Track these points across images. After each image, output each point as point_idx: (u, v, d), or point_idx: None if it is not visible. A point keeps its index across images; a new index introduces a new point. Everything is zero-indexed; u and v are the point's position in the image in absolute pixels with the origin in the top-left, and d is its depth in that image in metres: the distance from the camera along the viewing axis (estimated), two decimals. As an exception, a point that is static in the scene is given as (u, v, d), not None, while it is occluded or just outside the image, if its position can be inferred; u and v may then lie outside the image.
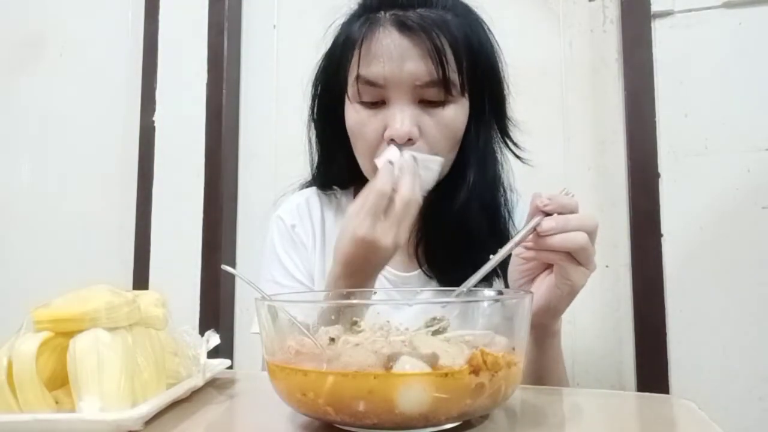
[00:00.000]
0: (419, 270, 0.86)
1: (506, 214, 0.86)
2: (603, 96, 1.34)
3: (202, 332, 0.59)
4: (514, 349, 0.44)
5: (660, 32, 1.29)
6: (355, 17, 0.82)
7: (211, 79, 1.57)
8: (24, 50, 1.80)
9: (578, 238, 0.60)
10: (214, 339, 0.58)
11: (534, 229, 0.60)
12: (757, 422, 1.20)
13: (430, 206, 0.81)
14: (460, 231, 0.80)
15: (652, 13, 1.29)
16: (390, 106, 0.77)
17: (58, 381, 0.45)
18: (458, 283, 0.58)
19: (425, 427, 0.41)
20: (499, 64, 0.84)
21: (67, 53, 1.77)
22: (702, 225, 1.26)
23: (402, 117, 0.75)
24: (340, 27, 0.84)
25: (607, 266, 1.29)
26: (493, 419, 0.46)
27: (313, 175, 0.94)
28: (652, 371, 1.24)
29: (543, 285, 0.65)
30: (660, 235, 1.25)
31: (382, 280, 0.84)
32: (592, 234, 0.61)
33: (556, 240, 0.60)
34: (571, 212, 0.61)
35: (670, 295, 1.25)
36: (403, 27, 0.75)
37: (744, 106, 1.24)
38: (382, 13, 0.78)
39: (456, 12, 0.79)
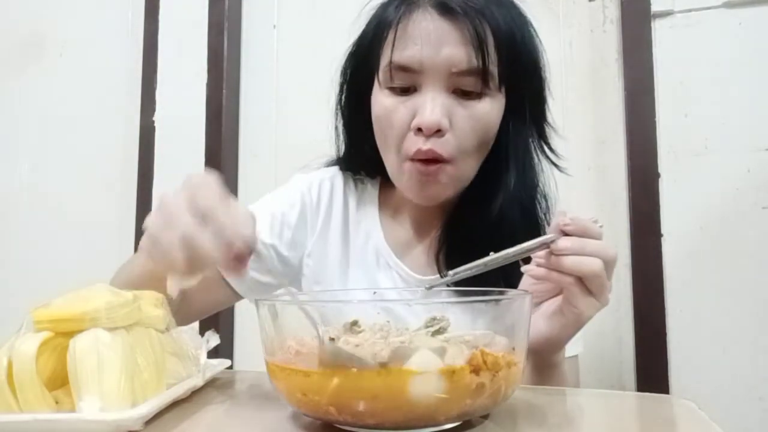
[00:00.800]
0: (438, 276, 0.77)
1: (544, 224, 0.78)
2: (603, 96, 1.34)
3: (202, 332, 0.59)
4: (514, 349, 0.44)
5: (660, 32, 1.29)
6: (390, 1, 0.76)
7: (211, 79, 1.57)
8: (24, 50, 1.80)
9: (593, 263, 0.57)
10: (214, 339, 0.58)
11: (547, 244, 0.58)
12: (757, 422, 1.20)
13: (456, 210, 0.78)
14: (489, 241, 0.65)
15: (652, 13, 1.29)
16: (422, 93, 0.71)
17: (58, 381, 0.45)
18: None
19: (425, 426, 0.41)
20: (542, 65, 0.77)
21: (67, 53, 1.77)
22: (702, 225, 1.26)
23: (433, 105, 0.70)
24: (373, 11, 0.78)
25: (607, 266, 1.29)
26: (493, 419, 0.46)
27: (338, 159, 0.88)
28: (652, 371, 1.24)
29: (549, 309, 0.61)
30: (660, 235, 1.26)
31: (395, 279, 0.81)
32: (608, 264, 0.58)
33: (569, 261, 0.57)
34: (592, 238, 0.58)
35: (670, 295, 1.25)
36: (444, 9, 0.70)
37: (744, 106, 1.24)
38: None
39: (501, 2, 0.73)
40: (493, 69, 0.70)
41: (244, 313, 1.51)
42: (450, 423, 0.42)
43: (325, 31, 1.49)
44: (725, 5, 1.26)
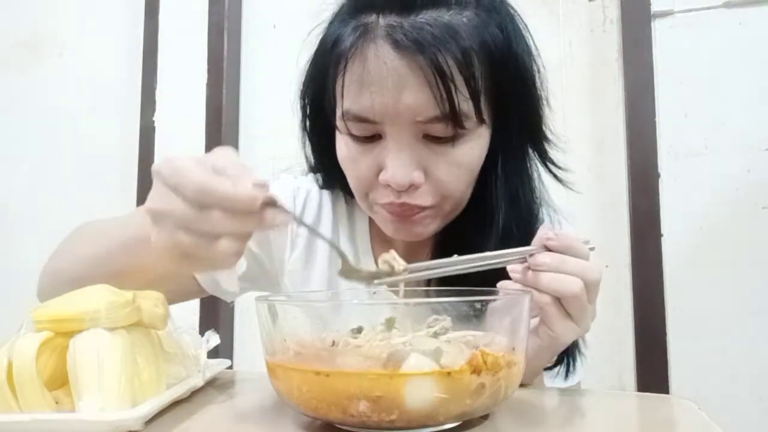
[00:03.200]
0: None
1: None
2: (603, 96, 1.34)
3: (202, 332, 0.59)
4: (514, 349, 0.44)
5: (660, 32, 1.29)
6: (345, 15, 0.64)
7: (211, 79, 1.57)
8: (24, 50, 1.80)
9: (571, 283, 0.51)
10: (214, 339, 0.58)
11: (524, 258, 0.53)
12: (757, 422, 1.20)
13: (445, 244, 0.69)
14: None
15: (652, 13, 1.29)
16: (387, 141, 0.61)
17: (58, 381, 0.45)
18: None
19: (425, 427, 0.41)
20: (535, 74, 0.66)
21: (67, 53, 1.77)
22: (702, 225, 1.26)
23: (400, 160, 0.60)
24: (327, 25, 0.66)
25: (607, 266, 1.29)
26: (493, 419, 0.46)
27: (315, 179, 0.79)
28: (652, 371, 1.24)
29: None
30: (660, 235, 1.26)
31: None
32: (590, 287, 0.52)
33: (546, 278, 0.51)
34: (577, 257, 0.52)
35: (670, 295, 1.25)
36: (400, 44, 0.57)
37: (744, 106, 1.24)
38: (376, 17, 0.60)
39: (477, 6, 0.61)
40: (466, 107, 0.59)
41: (244, 313, 1.51)
42: (450, 423, 0.42)
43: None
44: (725, 5, 1.27)
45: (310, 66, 0.69)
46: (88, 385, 0.43)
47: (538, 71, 0.67)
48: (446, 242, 0.70)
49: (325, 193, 0.79)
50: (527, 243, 0.56)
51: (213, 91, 1.57)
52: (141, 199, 1.61)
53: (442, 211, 0.65)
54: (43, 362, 0.44)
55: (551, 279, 0.51)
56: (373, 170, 0.63)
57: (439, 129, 0.60)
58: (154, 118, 1.64)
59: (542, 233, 0.53)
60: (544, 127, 0.69)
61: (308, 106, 0.72)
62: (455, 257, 0.53)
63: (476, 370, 0.40)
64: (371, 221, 0.76)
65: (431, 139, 0.61)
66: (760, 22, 1.25)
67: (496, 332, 0.44)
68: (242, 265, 0.51)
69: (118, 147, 1.69)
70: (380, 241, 0.76)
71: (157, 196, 0.46)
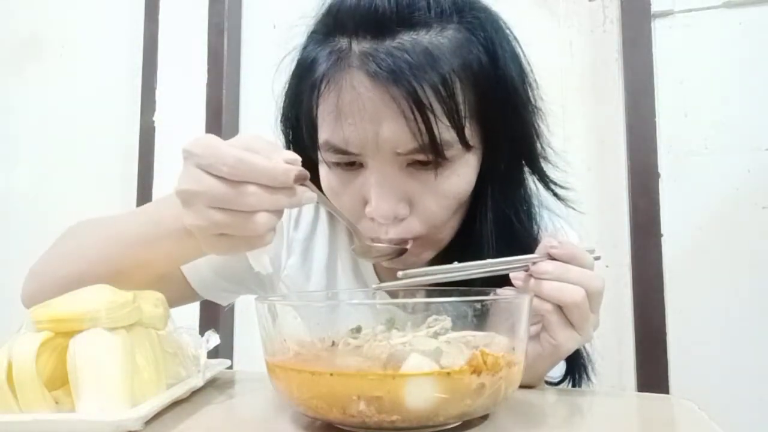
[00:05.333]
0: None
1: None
2: (603, 96, 1.34)
3: (202, 332, 0.59)
4: (514, 349, 0.44)
5: (660, 32, 1.30)
6: (319, 36, 0.61)
7: (211, 79, 1.57)
8: (24, 50, 1.80)
9: (574, 292, 0.51)
10: (214, 339, 0.58)
11: (527, 266, 0.53)
12: (757, 422, 1.20)
13: (447, 252, 0.66)
14: (486, 279, 0.57)
15: (652, 13, 1.29)
16: (368, 172, 0.58)
17: (58, 381, 0.45)
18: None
19: (425, 427, 0.41)
20: (526, 92, 0.62)
21: (67, 53, 1.77)
22: (702, 225, 1.26)
23: (384, 193, 0.57)
24: (303, 46, 0.64)
25: (607, 266, 1.29)
26: (493, 419, 0.46)
27: None
28: (652, 371, 1.24)
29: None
30: (660, 235, 1.26)
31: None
32: (592, 296, 0.52)
33: (548, 287, 0.51)
34: (580, 266, 0.52)
35: (670, 295, 1.25)
36: (375, 74, 0.54)
37: (744, 106, 1.24)
38: (349, 42, 0.57)
39: (461, 22, 0.58)
40: (449, 136, 0.56)
41: (244, 313, 1.51)
42: (450, 423, 0.42)
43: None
44: (725, 5, 1.27)
45: (287, 92, 0.66)
46: (88, 385, 0.43)
47: (531, 87, 0.63)
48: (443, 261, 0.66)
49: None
50: (531, 242, 0.57)
51: (213, 91, 1.57)
52: (141, 199, 1.61)
53: (431, 240, 0.63)
54: (43, 362, 0.44)
55: (553, 287, 0.51)
56: (359, 202, 0.60)
57: (422, 158, 0.57)
58: (154, 118, 1.64)
59: (546, 242, 0.53)
60: (540, 145, 0.65)
61: (290, 133, 0.69)
62: (456, 264, 0.52)
63: (476, 370, 0.40)
64: None
65: (415, 167, 0.58)
66: (760, 22, 1.25)
67: (496, 332, 0.44)
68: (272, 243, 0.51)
69: (118, 147, 1.69)
70: None
71: (188, 176, 0.46)
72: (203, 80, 1.58)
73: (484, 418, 0.45)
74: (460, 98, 0.56)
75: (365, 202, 0.59)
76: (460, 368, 0.40)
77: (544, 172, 0.66)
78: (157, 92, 1.64)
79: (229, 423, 0.49)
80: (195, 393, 0.53)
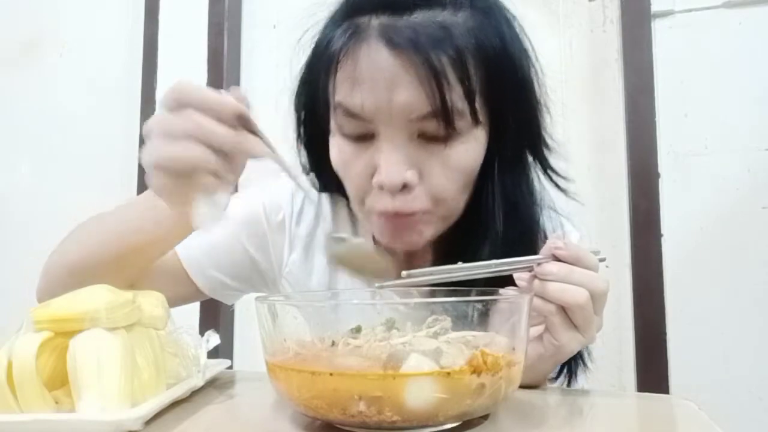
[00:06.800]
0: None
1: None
2: (603, 96, 1.34)
3: (202, 332, 0.59)
4: (514, 349, 0.44)
5: (660, 32, 1.30)
6: (338, 18, 0.64)
7: (211, 79, 1.57)
8: (24, 50, 1.80)
9: (577, 294, 0.51)
10: (214, 339, 0.58)
11: (531, 266, 0.53)
12: (757, 422, 1.20)
13: (445, 252, 0.68)
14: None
15: (652, 13, 1.29)
16: (379, 141, 0.60)
17: (58, 381, 0.45)
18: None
19: (425, 427, 0.41)
20: (532, 77, 0.65)
21: (67, 53, 1.77)
22: (702, 225, 1.26)
23: (392, 160, 0.59)
24: (321, 29, 0.66)
25: (607, 266, 1.29)
26: (493, 419, 0.46)
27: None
28: (652, 371, 1.24)
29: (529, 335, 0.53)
30: (660, 235, 1.26)
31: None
32: (596, 297, 0.52)
33: (551, 288, 0.51)
34: (585, 268, 0.52)
35: (670, 295, 1.25)
36: (393, 42, 0.57)
37: (744, 106, 1.24)
38: (369, 17, 0.60)
39: (473, 7, 0.60)
40: (461, 106, 0.58)
41: (244, 313, 1.51)
42: (450, 423, 0.42)
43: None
44: (725, 5, 1.27)
45: (303, 71, 0.69)
46: (88, 385, 0.43)
47: (537, 76, 0.65)
48: (446, 251, 0.68)
49: (324, 195, 0.77)
50: (529, 252, 0.56)
51: (213, 91, 1.57)
52: (141, 199, 1.61)
53: (436, 216, 0.63)
54: (43, 362, 0.44)
55: (557, 288, 0.51)
56: (367, 173, 0.61)
57: (433, 127, 0.59)
58: (154, 118, 1.64)
59: (551, 242, 0.53)
60: (543, 134, 0.67)
61: (302, 112, 0.71)
62: (460, 264, 0.52)
63: (476, 371, 0.40)
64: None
65: (425, 139, 0.60)
66: (760, 22, 1.25)
67: (496, 332, 0.44)
68: (227, 199, 0.51)
69: (118, 147, 1.69)
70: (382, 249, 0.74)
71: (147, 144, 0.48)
72: (203, 80, 1.57)
73: (484, 418, 0.45)
74: (472, 72, 0.58)
75: (373, 174, 0.60)
76: (460, 368, 0.40)
77: (547, 161, 0.68)
78: (157, 92, 1.64)
79: (229, 423, 0.49)
80: (195, 393, 0.53)
